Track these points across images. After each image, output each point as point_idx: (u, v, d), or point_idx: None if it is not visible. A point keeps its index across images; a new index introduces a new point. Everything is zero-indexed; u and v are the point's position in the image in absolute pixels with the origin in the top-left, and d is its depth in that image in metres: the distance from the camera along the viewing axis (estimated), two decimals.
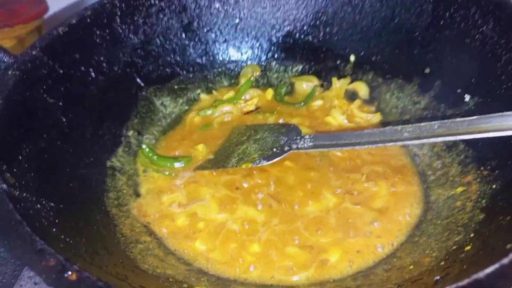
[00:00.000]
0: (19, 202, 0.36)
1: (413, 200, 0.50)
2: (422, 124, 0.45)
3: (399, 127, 0.46)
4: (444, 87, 0.57)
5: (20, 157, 0.41)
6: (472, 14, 0.54)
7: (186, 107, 0.66)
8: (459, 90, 0.55)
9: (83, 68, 0.55)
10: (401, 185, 0.52)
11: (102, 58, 0.58)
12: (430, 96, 0.58)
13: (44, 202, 0.39)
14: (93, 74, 0.56)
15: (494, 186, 0.44)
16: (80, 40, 0.55)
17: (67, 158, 0.48)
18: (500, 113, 0.39)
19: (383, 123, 0.61)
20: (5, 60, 0.48)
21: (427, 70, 0.59)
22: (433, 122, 0.44)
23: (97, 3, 0.58)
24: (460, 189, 0.48)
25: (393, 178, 0.52)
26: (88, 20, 0.56)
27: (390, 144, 0.45)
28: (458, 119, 0.42)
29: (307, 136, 0.54)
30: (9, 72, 0.47)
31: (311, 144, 0.52)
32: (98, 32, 0.57)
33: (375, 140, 0.47)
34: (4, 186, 0.35)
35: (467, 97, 0.53)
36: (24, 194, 0.38)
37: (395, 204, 0.49)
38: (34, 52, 0.50)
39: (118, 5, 0.59)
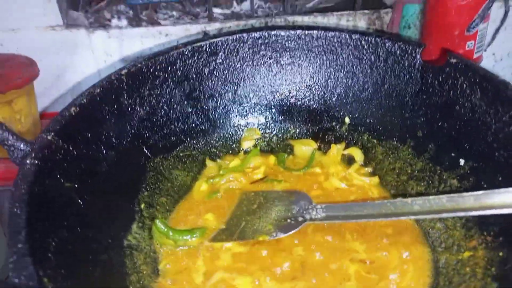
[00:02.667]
0: None
1: (422, 264, 0.53)
2: (431, 197, 0.48)
3: (409, 200, 0.49)
4: (438, 150, 0.61)
5: (50, 255, 0.41)
6: (460, 84, 0.59)
7: (193, 175, 0.67)
8: (453, 154, 0.59)
9: (94, 146, 0.56)
10: (409, 247, 0.55)
11: (111, 133, 0.59)
12: (425, 158, 0.63)
13: None
14: (104, 150, 0.57)
15: (500, 254, 0.47)
16: (91, 118, 0.56)
17: (88, 244, 0.48)
18: (505, 189, 0.44)
19: (382, 185, 0.65)
20: (22, 147, 0.48)
21: (419, 133, 0.64)
22: (441, 196, 0.48)
23: (105, 79, 0.59)
24: (467, 254, 0.51)
25: (402, 241, 0.55)
26: (98, 98, 0.57)
27: (402, 217, 0.49)
28: (465, 194, 0.46)
29: (319, 206, 0.56)
30: (28, 161, 0.47)
31: (324, 215, 0.54)
32: (107, 108, 0.58)
33: (386, 212, 0.50)
34: None
35: (461, 161, 0.58)
36: None
37: (407, 271, 0.52)
38: (49, 137, 0.50)
39: (125, 80, 0.61)
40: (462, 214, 0.45)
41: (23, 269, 0.36)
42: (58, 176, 0.49)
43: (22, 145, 0.48)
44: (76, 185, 0.51)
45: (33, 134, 0.75)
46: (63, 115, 0.53)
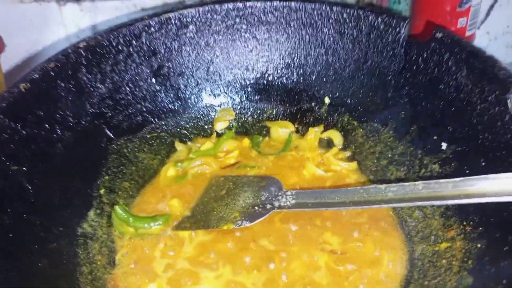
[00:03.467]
0: None
1: (397, 255, 0.50)
2: (406, 184, 0.44)
3: (383, 186, 0.46)
4: (420, 132, 0.57)
5: None
6: (446, 60, 0.55)
7: (161, 159, 0.63)
8: (435, 137, 0.55)
9: (47, 125, 0.52)
10: (384, 236, 0.52)
11: (67, 112, 0.54)
12: (407, 141, 0.58)
13: None
14: (58, 130, 0.53)
15: (479, 245, 0.44)
16: (44, 95, 0.52)
17: (34, 233, 0.44)
18: (485, 176, 0.40)
19: (361, 170, 0.61)
20: None
21: (402, 115, 0.60)
22: (417, 182, 0.44)
23: (60, 53, 0.55)
24: (444, 245, 0.48)
25: (376, 230, 0.52)
26: (52, 73, 0.53)
27: (375, 206, 0.45)
28: (442, 180, 0.42)
29: (289, 192, 0.52)
30: None
31: (293, 202, 0.51)
32: (62, 85, 0.54)
33: (359, 200, 0.46)
34: None
35: (444, 145, 0.54)
36: None
37: (380, 263, 0.49)
38: None
39: (83, 54, 0.56)
40: (438, 203, 0.42)
41: None
42: (3, 158, 0.45)
43: None
44: (24, 168, 0.47)
45: None
46: (11, 91, 0.49)
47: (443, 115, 0.55)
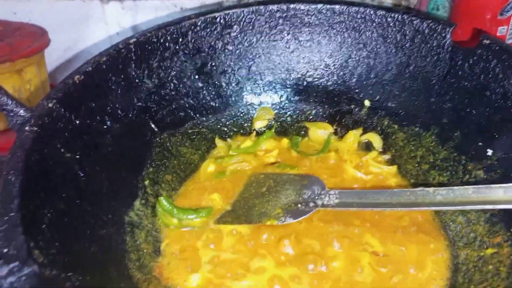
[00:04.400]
0: (51, 284, 0.33)
1: (440, 259, 0.50)
2: (455, 188, 0.44)
3: (431, 189, 0.46)
4: (464, 138, 0.57)
5: (44, 227, 0.39)
6: (493, 67, 0.54)
7: (201, 154, 0.64)
8: (480, 143, 0.55)
9: (98, 117, 0.53)
10: (427, 240, 0.51)
11: (117, 105, 0.56)
12: (450, 146, 0.58)
13: (72, 277, 0.37)
14: (108, 122, 0.54)
15: None
16: (96, 87, 0.54)
17: (86, 219, 0.46)
18: None
19: (401, 173, 0.61)
20: (21, 113, 0.46)
21: (445, 120, 0.60)
22: (467, 187, 0.44)
23: (111, 48, 0.57)
24: (490, 250, 0.47)
25: (419, 234, 0.52)
26: (104, 66, 0.54)
27: (422, 208, 0.45)
28: (493, 186, 0.42)
29: (332, 192, 0.53)
30: (26, 128, 0.44)
31: (337, 201, 0.51)
32: (113, 78, 0.56)
33: (405, 202, 0.46)
34: (36, 267, 0.33)
35: (489, 152, 0.53)
36: (54, 272, 0.35)
37: (423, 266, 0.48)
38: (50, 104, 0.47)
39: (133, 49, 0.58)
40: (489, 207, 0.41)
41: (12, 239, 0.34)
42: (59, 146, 0.47)
43: (22, 111, 0.46)
44: (77, 156, 0.49)
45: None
46: (66, 82, 0.51)
47: (489, 121, 0.54)
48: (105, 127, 0.54)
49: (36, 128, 0.44)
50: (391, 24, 0.63)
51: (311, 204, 0.52)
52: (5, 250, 0.34)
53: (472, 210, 0.51)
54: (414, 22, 0.61)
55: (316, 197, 0.53)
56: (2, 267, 0.32)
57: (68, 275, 0.37)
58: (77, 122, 0.50)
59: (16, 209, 0.37)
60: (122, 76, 0.56)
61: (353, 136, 0.65)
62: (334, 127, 0.67)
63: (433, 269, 0.49)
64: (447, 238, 0.52)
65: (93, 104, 0.53)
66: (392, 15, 0.62)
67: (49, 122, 0.46)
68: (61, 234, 0.41)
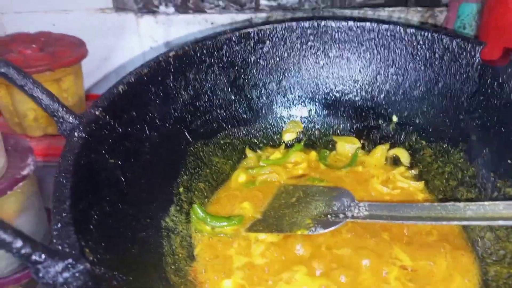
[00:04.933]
0: (101, 282, 0.35)
1: (469, 275, 0.50)
2: (486, 203, 0.45)
3: (461, 204, 0.46)
4: (493, 156, 0.58)
5: (92, 227, 0.41)
6: None
7: (232, 164, 0.66)
8: (509, 161, 0.55)
9: (138, 125, 0.56)
10: (455, 256, 0.52)
11: (155, 115, 0.58)
12: (479, 164, 0.59)
13: (118, 276, 0.39)
14: (147, 130, 0.57)
15: None
16: (137, 97, 0.56)
17: (127, 222, 0.48)
18: None
19: (429, 189, 0.62)
20: (70, 120, 0.49)
21: (473, 137, 0.60)
22: (497, 202, 0.44)
23: (152, 60, 0.59)
24: None
25: (447, 249, 0.52)
26: (145, 78, 0.57)
27: (452, 222, 0.46)
28: None
29: (361, 204, 0.54)
30: (76, 134, 0.47)
31: (366, 213, 0.52)
32: (153, 89, 0.58)
33: (436, 216, 0.47)
34: (88, 265, 0.35)
35: None
36: (102, 270, 0.37)
37: (452, 281, 0.49)
38: (97, 112, 0.50)
39: (172, 62, 0.60)
40: None
41: (66, 237, 0.36)
42: (103, 152, 0.49)
43: (71, 118, 0.49)
44: (119, 162, 0.51)
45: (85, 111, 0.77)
46: (111, 92, 0.53)
47: None
48: (144, 135, 0.56)
49: (84, 135, 0.47)
50: (420, 42, 0.64)
51: (341, 216, 0.53)
52: (60, 247, 0.36)
53: (502, 227, 0.52)
54: (444, 40, 0.62)
55: (346, 209, 0.54)
56: (58, 262, 0.34)
57: (114, 274, 0.39)
58: (120, 129, 0.53)
59: (68, 210, 0.39)
60: (161, 87, 0.59)
61: (381, 151, 0.66)
62: (362, 142, 0.69)
63: (461, 284, 0.49)
64: (476, 254, 0.53)
65: (134, 113, 0.55)
66: (422, 33, 0.64)
67: (96, 129, 0.49)
68: (106, 234, 0.43)
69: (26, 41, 0.82)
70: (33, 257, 0.33)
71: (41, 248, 0.33)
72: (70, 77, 0.83)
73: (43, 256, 0.33)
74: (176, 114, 0.61)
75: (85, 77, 0.92)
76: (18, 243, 0.31)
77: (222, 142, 0.66)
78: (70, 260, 0.35)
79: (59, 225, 0.37)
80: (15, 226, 0.33)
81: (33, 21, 0.91)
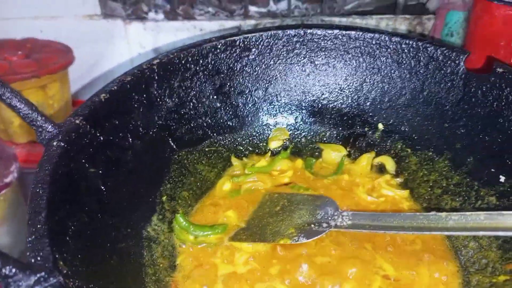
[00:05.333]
0: None
1: (452, 285, 0.50)
2: (468, 213, 0.45)
3: (443, 214, 0.46)
4: (477, 164, 0.58)
5: (68, 238, 0.41)
6: (506, 95, 0.55)
7: (217, 172, 0.66)
8: (493, 169, 0.55)
9: (121, 134, 0.55)
10: (438, 265, 0.52)
11: (139, 123, 0.58)
12: (463, 172, 0.59)
13: None
14: (130, 139, 0.56)
15: None
16: (120, 105, 0.56)
17: (107, 231, 0.47)
18: None
19: (414, 197, 0.62)
20: (49, 129, 0.48)
21: (458, 145, 0.60)
22: (479, 213, 0.44)
23: (136, 68, 0.59)
24: (502, 277, 0.47)
25: (430, 259, 0.52)
26: (128, 86, 0.57)
27: (434, 232, 0.46)
28: (505, 212, 0.43)
29: (345, 213, 0.54)
30: (54, 143, 0.46)
31: (350, 223, 0.52)
32: (136, 97, 0.58)
33: (418, 226, 0.47)
34: (61, 278, 0.34)
35: (502, 178, 0.54)
36: (77, 283, 0.37)
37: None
38: (77, 121, 0.50)
39: (156, 70, 0.60)
40: (501, 233, 0.42)
41: (40, 250, 0.36)
42: (83, 161, 0.49)
43: (50, 127, 0.48)
44: (100, 172, 0.50)
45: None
46: (93, 100, 0.53)
47: (502, 148, 0.55)
48: (127, 143, 0.56)
49: (63, 144, 0.46)
50: (405, 51, 0.64)
51: (324, 225, 0.53)
52: (33, 260, 0.35)
53: (485, 236, 0.52)
54: (429, 49, 0.63)
55: (330, 218, 0.54)
56: (30, 276, 0.34)
57: (90, 287, 0.38)
58: (101, 138, 0.52)
59: (43, 221, 0.38)
60: (144, 95, 0.59)
61: (366, 160, 0.66)
62: (348, 149, 0.69)
63: None
64: (459, 263, 0.53)
65: (117, 122, 0.55)
66: (407, 41, 0.64)
67: (75, 138, 0.48)
68: (83, 246, 0.42)
69: (12, 48, 0.82)
70: (3, 271, 0.32)
71: (12, 261, 0.33)
72: (56, 83, 0.83)
73: (13, 270, 0.32)
74: (160, 122, 0.61)
75: (73, 84, 0.92)
76: None
77: (207, 149, 0.66)
78: (42, 274, 0.34)
79: (33, 237, 0.37)
80: None
81: (21, 27, 0.90)
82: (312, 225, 0.53)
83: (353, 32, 0.66)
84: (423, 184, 0.62)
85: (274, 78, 0.70)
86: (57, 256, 0.36)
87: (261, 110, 0.70)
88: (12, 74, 0.75)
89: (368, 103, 0.69)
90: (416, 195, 0.62)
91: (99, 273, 0.42)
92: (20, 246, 0.67)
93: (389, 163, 0.65)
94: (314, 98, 0.71)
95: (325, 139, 0.70)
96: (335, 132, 0.70)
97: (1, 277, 0.32)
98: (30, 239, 0.37)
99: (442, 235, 0.54)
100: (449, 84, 0.62)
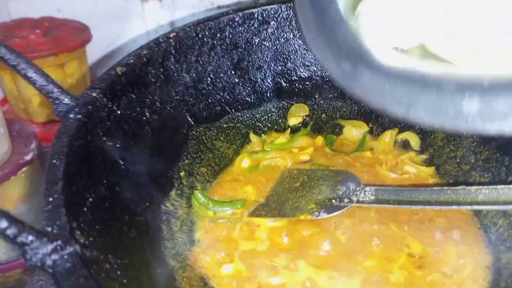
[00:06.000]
0: (91, 265, 0.34)
1: (481, 263, 0.48)
2: (499, 186, 0.43)
3: (472, 188, 0.44)
4: (507, 138, 0.55)
5: (86, 209, 0.40)
6: None
7: (235, 148, 0.64)
8: None
9: (138, 108, 0.54)
10: (466, 243, 0.49)
11: (156, 97, 0.57)
12: (492, 147, 0.56)
13: (111, 259, 0.38)
14: (147, 114, 0.55)
15: None
16: (136, 79, 0.55)
17: (125, 205, 0.47)
18: None
19: (440, 174, 0.59)
20: (66, 101, 0.47)
21: None
22: (511, 186, 0.42)
23: (152, 41, 0.58)
24: None
25: (457, 236, 0.50)
26: (144, 59, 0.56)
27: (463, 207, 0.43)
28: None
29: (367, 188, 0.52)
30: (71, 116, 0.46)
31: (373, 198, 0.50)
32: (153, 71, 0.57)
33: (446, 200, 0.45)
34: (78, 247, 0.34)
35: None
36: (94, 253, 0.36)
37: (463, 269, 0.47)
38: (94, 94, 0.49)
39: (173, 44, 0.59)
40: None
41: (56, 219, 0.35)
42: (101, 134, 0.48)
43: (66, 99, 0.48)
44: (117, 145, 0.50)
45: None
46: (109, 73, 0.52)
47: None
48: (144, 118, 0.55)
49: (80, 116, 0.46)
50: None
51: (346, 200, 0.51)
52: (49, 229, 0.35)
53: None
54: None
55: (351, 193, 0.52)
56: (46, 244, 0.33)
57: (107, 257, 0.38)
58: (119, 112, 0.51)
59: (60, 191, 0.38)
60: (161, 69, 0.58)
61: (389, 136, 0.64)
62: (370, 126, 0.66)
63: (472, 272, 0.47)
64: (488, 241, 0.50)
65: (134, 96, 0.54)
66: None
67: (92, 110, 0.48)
68: (101, 217, 0.42)
69: (30, 26, 0.82)
70: (20, 238, 0.32)
71: (28, 229, 0.32)
72: (74, 62, 0.82)
73: (30, 237, 0.32)
74: (178, 97, 0.60)
75: (91, 63, 0.91)
76: (3, 224, 0.31)
77: (225, 126, 0.65)
78: (59, 242, 0.34)
79: (49, 206, 0.37)
80: (3, 209, 0.32)
81: (39, 6, 0.90)
82: (333, 201, 0.52)
83: None
84: (449, 161, 0.59)
85: (293, 52, 0.67)
86: (74, 225, 0.36)
87: (280, 86, 0.68)
88: (30, 52, 0.74)
89: None
90: (442, 172, 0.59)
91: (117, 245, 0.42)
92: (41, 223, 0.67)
93: (414, 139, 0.63)
94: None
95: (346, 115, 0.68)
96: (356, 108, 0.68)
97: (18, 244, 0.32)
98: (46, 208, 0.36)
99: (471, 211, 0.52)
100: None
